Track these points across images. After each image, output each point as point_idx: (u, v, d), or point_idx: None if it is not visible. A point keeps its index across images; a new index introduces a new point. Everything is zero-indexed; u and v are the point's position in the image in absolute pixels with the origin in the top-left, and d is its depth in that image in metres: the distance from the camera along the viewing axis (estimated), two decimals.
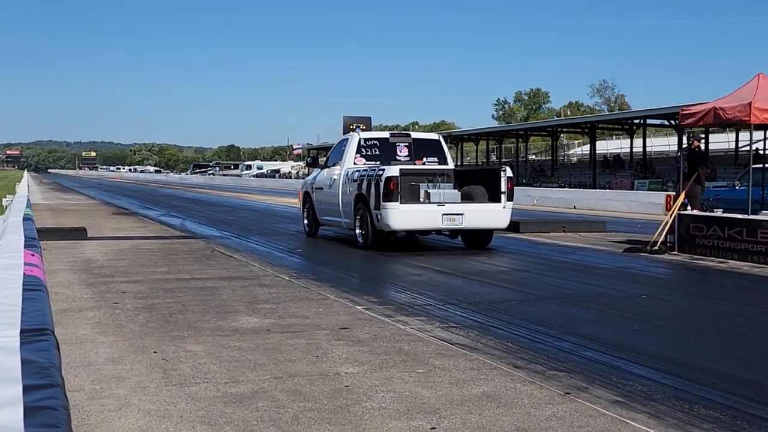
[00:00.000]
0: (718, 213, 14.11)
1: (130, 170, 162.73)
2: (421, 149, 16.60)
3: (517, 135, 66.82)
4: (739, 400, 5.24)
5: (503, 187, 14.63)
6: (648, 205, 31.71)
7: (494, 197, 14.76)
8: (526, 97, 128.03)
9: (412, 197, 14.58)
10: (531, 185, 53.92)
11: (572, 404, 5.07)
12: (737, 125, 16.19)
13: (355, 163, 16.03)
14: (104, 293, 9.51)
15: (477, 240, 15.23)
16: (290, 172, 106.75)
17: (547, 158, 70.30)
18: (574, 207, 35.61)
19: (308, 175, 20.61)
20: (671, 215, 14.43)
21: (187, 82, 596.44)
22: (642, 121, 51.39)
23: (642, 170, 49.63)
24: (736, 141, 46.29)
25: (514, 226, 19.14)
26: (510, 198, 14.70)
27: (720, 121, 13.92)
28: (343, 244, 16.14)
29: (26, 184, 35.70)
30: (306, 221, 18.18)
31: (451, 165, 16.76)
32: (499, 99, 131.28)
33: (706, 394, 5.36)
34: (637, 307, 8.98)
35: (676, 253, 14.20)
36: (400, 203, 14.06)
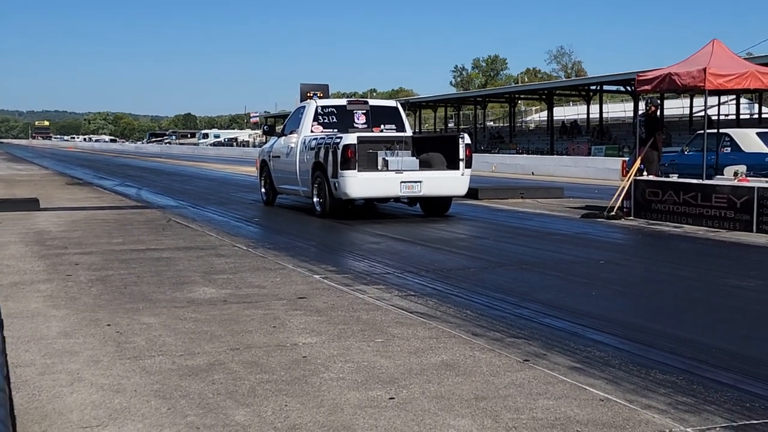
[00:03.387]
0: (674, 178, 14.19)
1: (84, 140, 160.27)
2: (378, 116, 16.50)
3: (475, 102, 66.90)
4: (695, 364, 5.26)
5: (461, 155, 14.59)
6: (604, 171, 31.93)
7: (453, 164, 14.72)
8: (484, 64, 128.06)
9: (370, 165, 14.48)
10: (489, 152, 54.09)
11: (531, 371, 5.06)
12: (692, 91, 16.26)
13: (312, 131, 15.88)
14: (57, 265, 9.33)
15: (436, 207, 15.21)
16: (248, 141, 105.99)
17: (505, 125, 70.53)
18: (532, 173, 35.76)
19: (265, 143, 20.36)
20: (627, 181, 14.51)
21: (143, 49, 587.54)
22: (599, 88, 51.66)
23: (599, 136, 50.01)
24: (690, 107, 46.77)
25: (472, 193, 19.17)
26: (468, 165, 14.67)
27: (675, 87, 13.97)
28: (300, 212, 16.03)
29: None
30: (263, 190, 18.08)
31: (409, 132, 16.70)
32: (457, 66, 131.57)
33: (663, 359, 5.38)
34: (595, 273, 9.01)
35: (632, 218, 14.30)
36: (358, 171, 13.97)
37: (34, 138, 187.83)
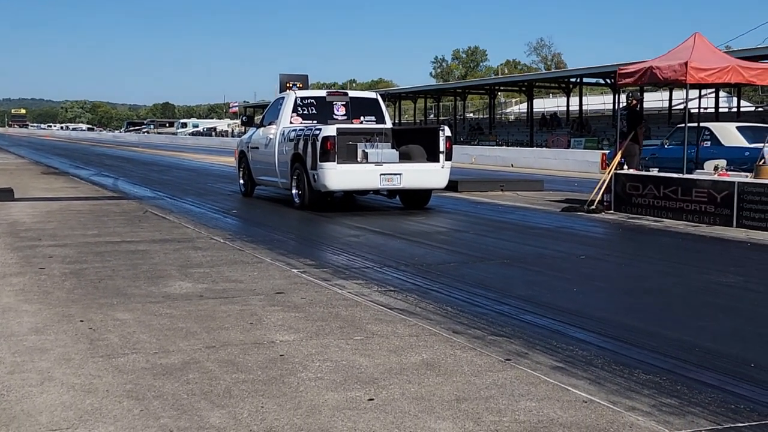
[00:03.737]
0: (654, 172, 14.15)
1: (61, 128, 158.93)
2: (358, 108, 16.38)
3: (455, 93, 66.85)
4: (678, 363, 5.19)
5: (442, 147, 14.49)
6: (584, 164, 31.98)
7: (433, 157, 14.62)
8: (464, 55, 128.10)
9: (350, 157, 14.36)
10: (469, 143, 54.06)
11: (513, 371, 4.97)
12: (673, 85, 16.24)
13: (291, 122, 15.72)
14: (30, 258, 9.16)
15: (415, 200, 15.12)
16: (226, 130, 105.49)
17: (485, 116, 70.51)
18: (512, 165, 35.74)
19: (244, 133, 20.20)
20: (608, 174, 14.46)
21: (121, 37, 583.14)
22: (579, 80, 51.70)
23: (578, 128, 50.06)
24: (670, 100, 46.94)
25: (452, 185, 19.06)
26: (449, 158, 14.58)
27: (656, 81, 13.94)
28: (279, 204, 15.89)
29: None
30: (242, 181, 17.96)
31: (389, 124, 16.57)
32: (437, 57, 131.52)
33: (646, 358, 5.30)
34: (576, 268, 8.95)
35: (612, 212, 14.26)
36: (337, 163, 13.84)
37: (10, 126, 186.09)
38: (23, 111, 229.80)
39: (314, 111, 16.05)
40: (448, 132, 14.79)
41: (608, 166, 14.96)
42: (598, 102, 60.00)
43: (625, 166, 14.64)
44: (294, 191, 14.86)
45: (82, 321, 6.19)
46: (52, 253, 9.49)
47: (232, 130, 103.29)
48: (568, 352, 5.44)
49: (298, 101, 16.06)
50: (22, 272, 8.27)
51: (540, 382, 4.77)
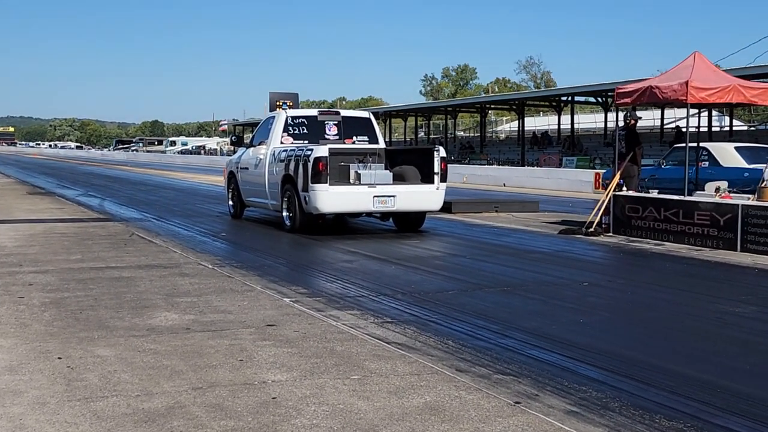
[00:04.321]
0: (654, 194, 13.83)
1: (50, 146, 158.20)
2: (350, 127, 15.88)
3: (446, 111, 66.71)
4: (701, 407, 4.83)
5: (437, 168, 14.13)
6: (577, 183, 31.71)
7: (427, 178, 14.26)
8: (454, 73, 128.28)
9: (342, 178, 14.02)
10: (460, 162, 53.81)
11: (524, 416, 4.60)
12: (673, 104, 15.97)
13: (282, 142, 15.31)
14: (9, 285, 8.74)
15: (409, 222, 14.76)
16: (215, 149, 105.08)
17: (476, 135, 70.41)
18: (504, 185, 35.46)
19: (234, 153, 19.83)
20: (606, 196, 14.13)
21: (110, 55, 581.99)
22: (570, 98, 51.58)
23: (570, 147, 49.89)
24: (662, 119, 46.81)
25: (446, 207, 18.70)
26: (444, 179, 14.24)
27: (656, 100, 13.65)
28: (269, 226, 15.52)
29: None
30: (230, 203, 17.59)
31: (382, 144, 16.12)
32: (426, 75, 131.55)
33: (665, 401, 4.94)
34: (580, 297, 8.59)
35: (611, 234, 13.93)
36: (330, 185, 13.43)
37: None
38: (11, 129, 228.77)
39: (305, 131, 15.60)
40: (443, 152, 14.43)
41: (604, 186, 14.67)
42: (589, 120, 59.91)
43: (624, 188, 14.30)
44: (285, 213, 14.44)
45: (60, 358, 5.79)
46: (33, 280, 9.08)
47: (221, 149, 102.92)
48: (581, 393, 5.07)
49: (289, 120, 15.63)
50: (0, 302, 7.86)
51: (554, 430, 4.39)
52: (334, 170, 13.70)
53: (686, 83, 12.78)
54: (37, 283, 8.90)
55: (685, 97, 12.82)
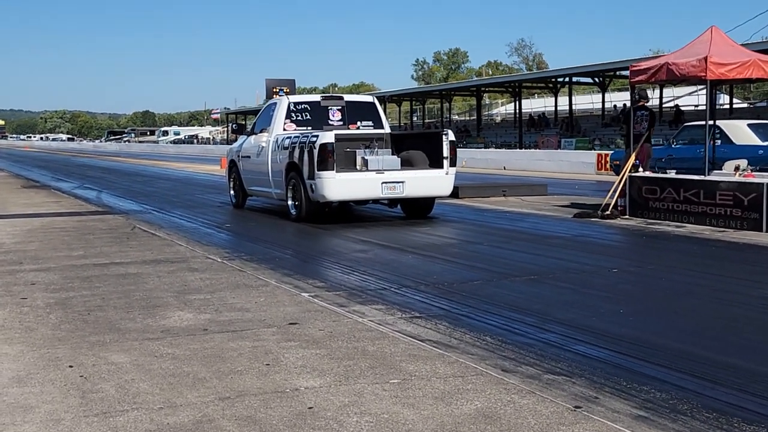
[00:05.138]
0: (672, 174, 13.40)
1: (41, 138, 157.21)
2: (354, 113, 15.48)
3: (440, 95, 66.20)
4: None
5: (446, 152, 13.74)
6: (579, 165, 31.33)
7: (436, 163, 13.84)
8: (445, 57, 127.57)
9: (349, 165, 13.58)
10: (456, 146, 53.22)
11: (589, 424, 4.17)
12: (691, 81, 15.52)
13: (284, 129, 14.89)
14: (10, 285, 8.29)
15: (418, 209, 14.32)
16: (208, 138, 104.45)
17: (471, 118, 69.89)
18: (504, 168, 35.06)
19: (235, 141, 19.71)
20: (622, 177, 13.70)
21: (98, 45, 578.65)
22: (567, 80, 51.12)
23: (568, 128, 49.45)
24: (660, 98, 46.33)
25: (453, 191, 18.34)
26: (453, 163, 13.85)
27: (673, 77, 13.17)
28: (273, 216, 15.07)
29: None
30: (232, 192, 17.15)
31: (387, 129, 15.69)
32: (418, 59, 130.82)
33: (738, 401, 4.52)
34: (612, 284, 8.18)
35: (627, 217, 13.52)
36: (336, 172, 13.00)
37: None
38: (1, 122, 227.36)
39: (309, 117, 15.19)
40: (452, 136, 14.05)
41: (613, 168, 14.27)
42: (587, 101, 59.40)
43: (641, 169, 13.86)
44: (290, 202, 14.02)
45: (71, 366, 5.35)
46: (35, 279, 8.63)
47: (213, 138, 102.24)
48: (644, 394, 4.65)
49: (292, 107, 15.19)
50: (2, 303, 7.42)
51: None
52: (341, 157, 13.26)
53: (705, 59, 12.32)
54: (39, 282, 8.45)
55: (704, 73, 12.36)
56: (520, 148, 46.11)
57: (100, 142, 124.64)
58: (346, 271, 9.14)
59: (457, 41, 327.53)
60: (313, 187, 13.16)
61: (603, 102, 49.62)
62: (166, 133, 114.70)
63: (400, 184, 13.41)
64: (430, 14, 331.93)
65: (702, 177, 12.64)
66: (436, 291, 7.79)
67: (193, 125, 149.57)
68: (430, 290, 7.84)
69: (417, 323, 6.46)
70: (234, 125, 20.99)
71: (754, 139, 16.97)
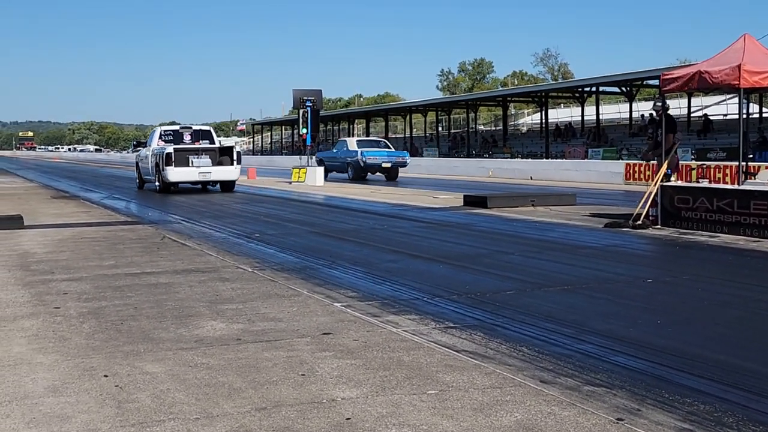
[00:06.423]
0: (705, 183, 13.25)
1: (69, 150, 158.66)
2: (198, 135, 27.20)
3: (466, 105, 66.08)
4: None
5: (235, 157, 25.81)
6: (607, 175, 31.13)
7: (232, 163, 25.80)
8: (470, 68, 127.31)
9: (182, 163, 25.04)
10: (482, 156, 53.23)
11: None
12: (724, 89, 15.37)
13: (157, 145, 26.19)
14: (43, 295, 8.31)
15: (224, 187, 26.10)
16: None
17: (497, 128, 69.73)
18: (531, 178, 34.90)
19: (138, 151, 30.34)
20: (654, 187, 13.57)
21: (125, 57, 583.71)
22: (595, 89, 50.86)
23: (595, 138, 49.17)
24: (689, 107, 45.97)
25: (481, 202, 18.32)
26: (239, 163, 25.94)
27: (705, 86, 13.05)
28: (306, 226, 15.08)
29: None
30: (137, 180, 29.13)
31: (216, 145, 27.05)
32: (443, 69, 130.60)
33: None
34: (648, 295, 8.07)
35: (659, 227, 13.38)
36: (174, 167, 24.81)
37: (18, 149, 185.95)
38: (31, 134, 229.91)
39: (172, 138, 26.85)
40: (237, 148, 27.07)
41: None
42: (614, 111, 59.05)
43: (672, 178, 13.71)
44: (156, 183, 25.89)
45: (106, 376, 5.33)
46: (67, 288, 8.64)
47: (240, 148, 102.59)
48: (687, 406, 4.56)
49: (162, 133, 27.42)
50: (35, 313, 7.42)
51: None
52: (179, 159, 24.95)
53: (738, 67, 12.19)
54: (71, 291, 8.47)
55: (737, 82, 12.23)
56: (547, 158, 45.90)
57: (127, 152, 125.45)
58: (377, 281, 9.08)
59: (482, 51, 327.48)
60: (164, 174, 25.01)
61: (630, 111, 49.27)
62: None
63: (209, 173, 25.50)
64: (455, 25, 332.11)
65: (736, 186, 12.49)
66: (469, 301, 7.73)
67: (219, 136, 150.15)
68: (463, 300, 7.77)
69: (452, 333, 6.40)
70: (134, 142, 32.90)
71: None
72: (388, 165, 32.95)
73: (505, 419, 4.38)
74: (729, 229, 12.21)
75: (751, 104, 47.60)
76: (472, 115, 67.27)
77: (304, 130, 31.88)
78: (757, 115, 43.22)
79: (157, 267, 10.07)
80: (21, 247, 12.16)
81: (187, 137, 26.84)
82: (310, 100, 31.62)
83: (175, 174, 24.65)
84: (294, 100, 32.02)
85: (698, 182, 13.69)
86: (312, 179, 30.65)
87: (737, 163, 14.74)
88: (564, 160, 41.34)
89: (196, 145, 26.26)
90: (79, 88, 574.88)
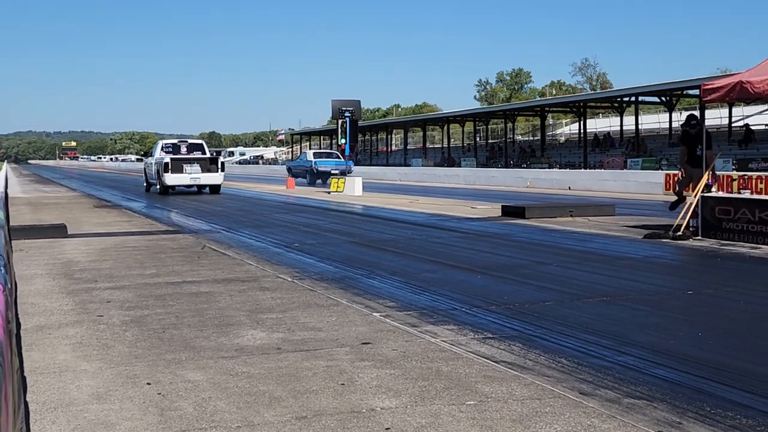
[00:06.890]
0: (746, 194, 13.11)
1: (111, 159, 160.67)
2: (193, 148, 32.96)
3: (504, 115, 65.92)
4: None
5: (220, 165, 31.42)
6: (646, 185, 30.89)
7: (219, 170, 31.41)
8: (508, 78, 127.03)
9: (178, 171, 30.60)
10: (520, 166, 53.06)
11: None
12: (764, 100, 15.21)
13: (159, 155, 31.75)
14: (87, 303, 8.44)
15: (211, 189, 31.66)
16: (274, 158, 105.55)
17: (534, 138, 69.46)
18: (569, 188, 34.73)
19: (151, 160, 34.55)
20: (695, 198, 13.45)
21: (167, 68, 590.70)
22: (635, 99, 50.49)
23: (634, 149, 48.80)
24: (729, 117, 45.47)
25: (519, 212, 18.28)
26: (223, 170, 31.81)
27: (747, 96, 12.92)
28: (345, 236, 15.14)
29: (4, 177, 34.39)
30: (145, 183, 35.04)
31: (207, 155, 32.38)
32: (480, 79, 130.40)
33: None
34: (688, 307, 8.01)
35: (700, 238, 13.26)
36: (171, 174, 30.57)
37: (61, 158, 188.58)
38: (73, 144, 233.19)
39: (171, 149, 32.15)
40: (221, 158, 32.40)
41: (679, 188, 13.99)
42: (653, 121, 58.56)
43: (713, 189, 13.59)
44: (157, 186, 31.71)
45: (149, 383, 5.41)
46: (110, 297, 8.78)
47: (278, 158, 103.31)
48: (729, 420, 4.53)
49: (163, 145, 32.97)
50: (79, 321, 7.55)
51: None
52: (175, 168, 30.55)
53: None
54: (114, 300, 8.59)
55: None
56: (585, 168, 45.63)
57: None
58: (416, 291, 9.10)
59: (519, 61, 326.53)
60: (163, 179, 30.86)
61: (670, 121, 48.83)
62: (231, 153, 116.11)
63: (199, 178, 31.05)
64: (492, 35, 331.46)
65: None
66: (507, 311, 7.73)
67: (258, 146, 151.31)
68: (501, 311, 7.77)
69: (490, 344, 6.41)
70: (142, 152, 42.15)
71: None
72: (337, 171, 37.62)
73: (545, 431, 4.38)
74: None
75: None
76: (509, 125, 67.09)
77: (343, 140, 32.08)
78: None
79: (198, 276, 10.18)
80: (65, 256, 12.35)
81: (183, 149, 32.62)
82: (348, 110, 31.79)
83: (171, 179, 30.69)
84: (333, 110, 32.20)
85: (740, 193, 13.52)
86: (350, 189, 30.77)
87: None
88: (602, 170, 41.06)
89: (190, 156, 31.84)
90: (121, 98, 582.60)
